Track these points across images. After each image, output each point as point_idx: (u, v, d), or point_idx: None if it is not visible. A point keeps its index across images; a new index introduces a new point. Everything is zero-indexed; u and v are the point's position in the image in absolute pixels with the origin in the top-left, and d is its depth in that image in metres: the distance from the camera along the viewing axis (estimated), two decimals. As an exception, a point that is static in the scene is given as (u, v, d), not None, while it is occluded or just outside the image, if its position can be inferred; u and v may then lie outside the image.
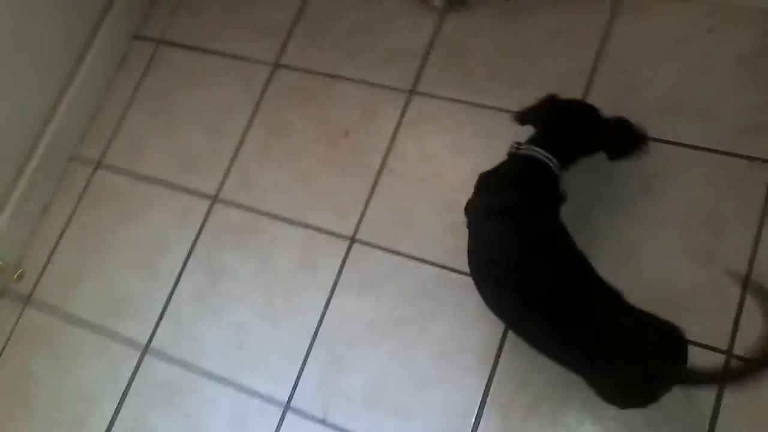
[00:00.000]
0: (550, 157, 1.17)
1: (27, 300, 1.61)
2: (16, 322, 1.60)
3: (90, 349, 1.53)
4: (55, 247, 1.65)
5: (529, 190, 1.16)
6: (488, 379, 1.27)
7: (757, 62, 1.34)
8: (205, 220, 1.56)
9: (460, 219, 1.37)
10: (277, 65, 1.66)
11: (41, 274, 1.63)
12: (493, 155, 1.27)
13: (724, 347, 1.18)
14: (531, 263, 1.10)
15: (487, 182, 1.21)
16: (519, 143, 1.22)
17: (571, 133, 1.22)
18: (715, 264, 1.23)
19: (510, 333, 1.28)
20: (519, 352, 1.27)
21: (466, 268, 1.33)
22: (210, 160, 1.62)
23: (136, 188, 1.65)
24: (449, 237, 1.38)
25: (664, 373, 1.02)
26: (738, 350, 1.17)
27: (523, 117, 1.29)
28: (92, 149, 1.72)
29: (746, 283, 1.20)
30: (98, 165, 1.70)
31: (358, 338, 1.37)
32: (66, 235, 1.66)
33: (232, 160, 1.60)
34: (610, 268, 1.12)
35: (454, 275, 1.35)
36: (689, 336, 1.06)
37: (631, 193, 1.32)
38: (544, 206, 1.16)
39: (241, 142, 1.61)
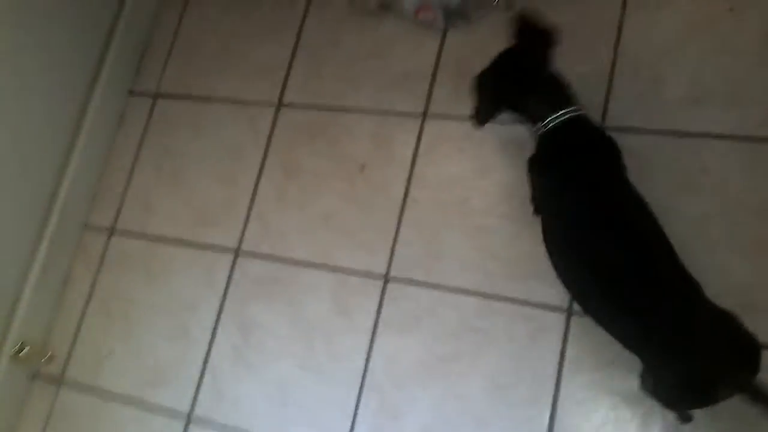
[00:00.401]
0: (574, 108, 1.13)
1: (59, 381, 1.57)
2: (52, 406, 1.55)
3: (130, 425, 1.48)
4: (80, 321, 1.60)
5: (587, 154, 1.13)
6: (551, 410, 1.21)
7: (785, 37, 1.27)
8: (230, 275, 1.51)
9: (493, 243, 1.34)
10: (280, 104, 1.61)
11: (70, 352, 1.58)
12: (517, 170, 1.23)
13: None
14: (610, 234, 1.05)
15: (544, 163, 1.17)
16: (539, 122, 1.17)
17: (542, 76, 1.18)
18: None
19: (566, 357, 1.22)
20: (577, 378, 1.21)
21: (508, 293, 1.29)
22: (226, 211, 1.57)
23: (155, 250, 1.60)
24: (485, 263, 1.33)
25: (729, 374, 0.96)
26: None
27: (480, 117, 1.23)
28: (104, 215, 1.67)
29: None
30: (112, 231, 1.65)
31: (407, 380, 1.32)
32: (90, 307, 1.61)
33: (250, 208, 1.55)
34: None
35: (496, 304, 1.30)
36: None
37: (672, 192, 1.25)
38: (606, 165, 1.12)
39: (256, 188, 1.56)
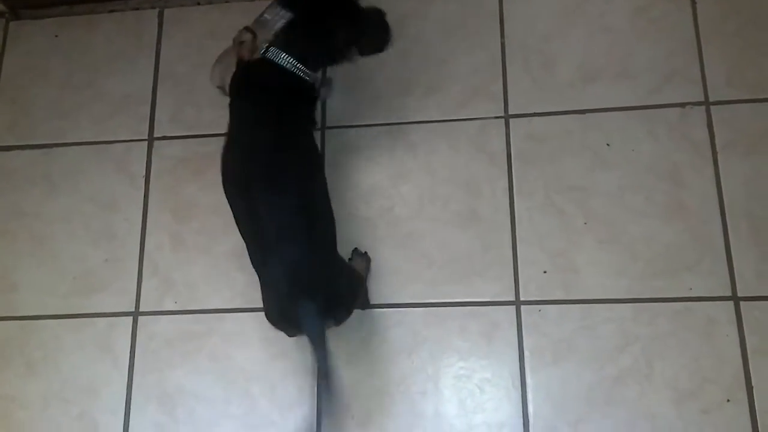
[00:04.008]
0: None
1: None
2: None
3: None
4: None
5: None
6: (522, 401, 1.20)
7: (651, 11, 1.37)
8: (134, 341, 1.31)
9: (426, 249, 1.29)
10: (152, 138, 1.42)
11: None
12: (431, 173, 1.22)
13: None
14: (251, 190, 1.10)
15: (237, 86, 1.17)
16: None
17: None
18: (684, 216, 1.25)
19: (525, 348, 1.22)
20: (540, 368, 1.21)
21: (453, 297, 1.25)
22: (112, 274, 1.35)
23: (29, 332, 1.34)
24: (421, 271, 1.27)
25: (296, 319, 1.05)
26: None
27: None
28: (-52, 304, 1.37)
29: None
30: (-37, 321, 1.36)
31: (365, 414, 1.22)
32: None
33: (140, 263, 1.35)
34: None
35: (443, 309, 1.25)
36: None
37: (587, 171, 1.29)
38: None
39: (143, 239, 1.36)
